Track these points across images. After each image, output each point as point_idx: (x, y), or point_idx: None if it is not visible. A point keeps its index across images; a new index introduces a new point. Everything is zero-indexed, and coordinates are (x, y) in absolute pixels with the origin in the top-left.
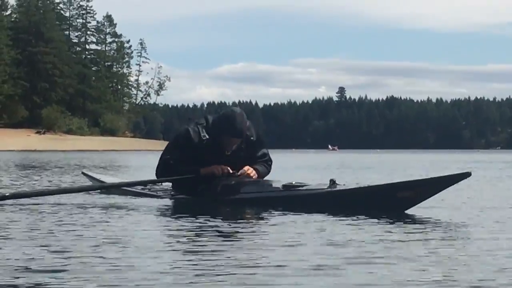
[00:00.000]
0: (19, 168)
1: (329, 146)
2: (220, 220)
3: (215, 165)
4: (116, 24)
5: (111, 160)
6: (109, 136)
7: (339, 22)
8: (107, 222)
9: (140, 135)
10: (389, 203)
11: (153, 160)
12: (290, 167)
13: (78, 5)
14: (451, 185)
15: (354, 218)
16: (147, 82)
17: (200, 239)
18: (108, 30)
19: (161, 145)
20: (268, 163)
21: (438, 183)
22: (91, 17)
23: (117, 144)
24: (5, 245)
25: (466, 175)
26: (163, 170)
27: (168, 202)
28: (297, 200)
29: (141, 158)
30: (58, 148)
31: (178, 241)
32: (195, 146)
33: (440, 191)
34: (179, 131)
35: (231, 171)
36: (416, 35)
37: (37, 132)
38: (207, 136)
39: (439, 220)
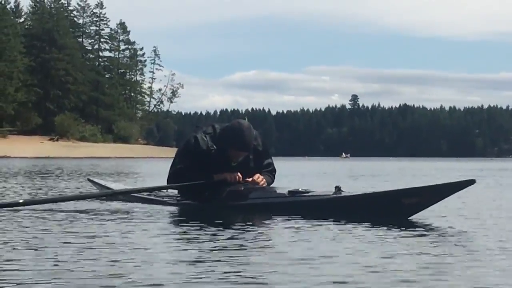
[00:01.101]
0: (32, 175)
1: (343, 154)
2: (225, 226)
3: (227, 172)
4: (129, 31)
5: (122, 167)
6: (122, 143)
7: (352, 30)
8: (114, 228)
9: (153, 142)
10: (394, 209)
11: (165, 167)
12: (302, 174)
13: (92, 13)
14: (456, 192)
15: (359, 224)
16: (160, 90)
17: (205, 245)
18: (121, 37)
19: (174, 152)
20: (272, 173)
21: (443, 189)
22: (104, 24)
23: (130, 151)
24: (17, 251)
25: (471, 182)
26: (177, 179)
27: (174, 208)
28: (303, 206)
29: (153, 165)
30: (71, 155)
31: (183, 248)
32: (203, 155)
33: (445, 197)
34: (187, 139)
35: (241, 179)
36: (429, 43)
37: (51, 139)
38: (214, 147)
39: (444, 226)
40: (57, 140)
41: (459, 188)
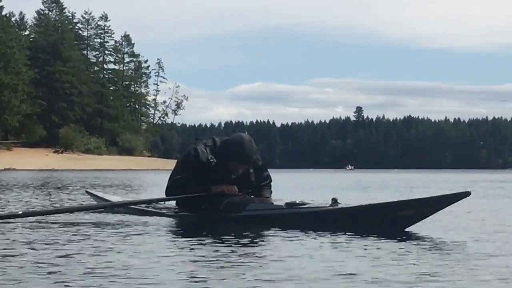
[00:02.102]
0: (35, 187)
1: (349, 166)
2: (222, 238)
3: (226, 184)
4: (134, 43)
5: (126, 180)
6: (126, 155)
7: (356, 42)
8: (112, 240)
9: (157, 154)
10: (390, 221)
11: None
12: (304, 187)
13: (96, 25)
14: (451, 204)
15: (355, 235)
16: (164, 102)
17: (203, 257)
18: (126, 49)
19: None
20: (270, 185)
21: (438, 201)
22: (109, 36)
23: (134, 163)
24: (14, 263)
25: (466, 194)
26: (176, 190)
27: (172, 219)
28: (300, 218)
29: (156, 177)
30: (76, 168)
31: (181, 260)
32: (203, 167)
33: (441, 209)
34: (187, 150)
35: (238, 193)
36: (433, 55)
37: (55, 152)
38: (215, 160)
39: (440, 238)
40: (61, 152)
41: (454, 200)
